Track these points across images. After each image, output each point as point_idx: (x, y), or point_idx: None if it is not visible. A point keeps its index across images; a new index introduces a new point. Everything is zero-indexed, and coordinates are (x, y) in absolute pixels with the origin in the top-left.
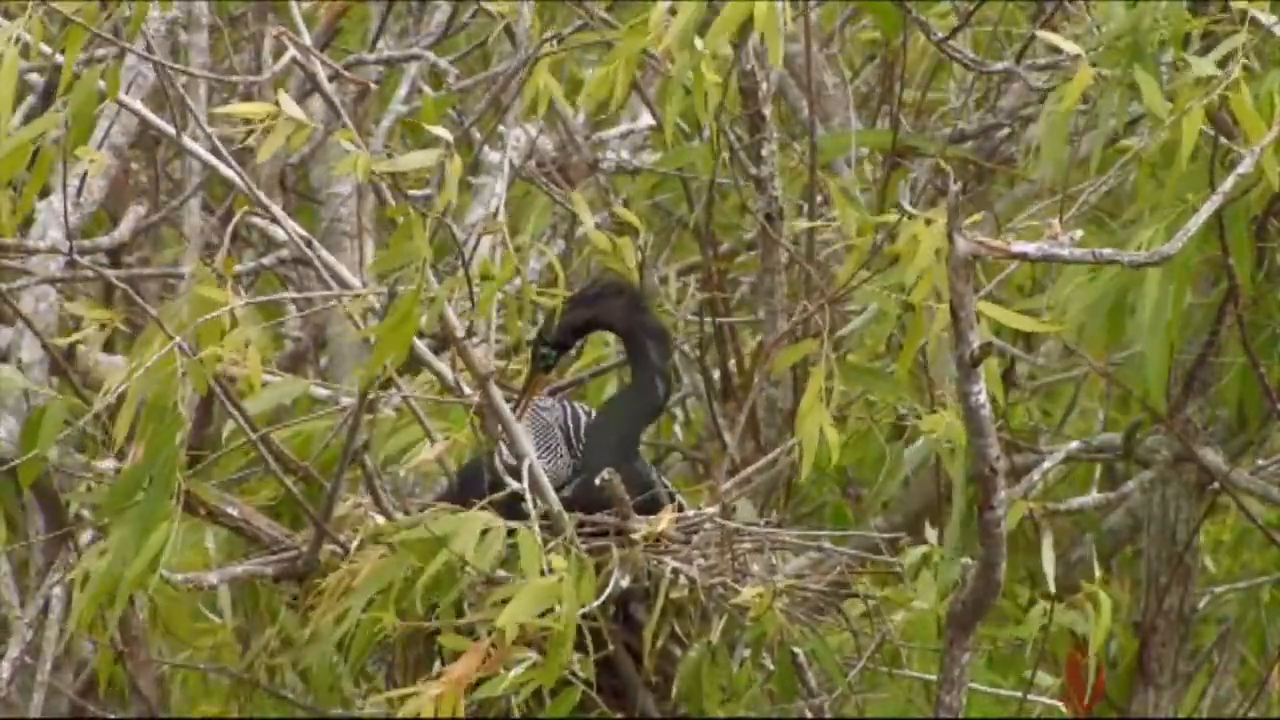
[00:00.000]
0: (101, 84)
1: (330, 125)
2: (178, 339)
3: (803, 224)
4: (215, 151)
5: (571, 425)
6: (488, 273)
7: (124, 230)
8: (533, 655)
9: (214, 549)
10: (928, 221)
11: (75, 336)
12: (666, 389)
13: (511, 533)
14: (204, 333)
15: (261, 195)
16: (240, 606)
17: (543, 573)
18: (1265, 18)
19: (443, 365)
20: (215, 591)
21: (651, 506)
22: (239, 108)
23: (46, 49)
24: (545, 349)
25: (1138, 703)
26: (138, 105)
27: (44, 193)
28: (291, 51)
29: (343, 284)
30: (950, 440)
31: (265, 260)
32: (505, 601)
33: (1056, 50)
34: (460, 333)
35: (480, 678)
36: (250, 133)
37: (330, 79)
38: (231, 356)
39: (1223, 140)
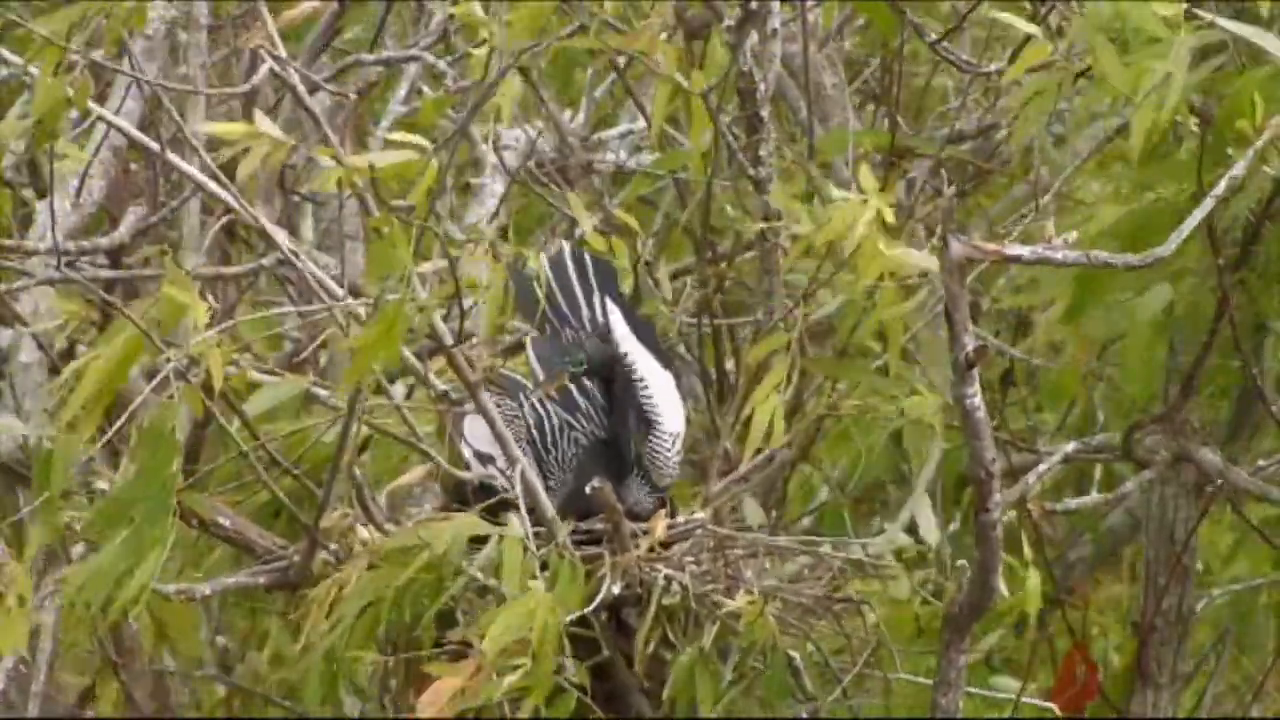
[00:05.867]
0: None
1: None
2: (173, 357)
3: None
4: (204, 163)
5: (536, 432)
6: (474, 284)
7: (123, 231)
8: (526, 662)
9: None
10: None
11: (59, 323)
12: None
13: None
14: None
15: (248, 205)
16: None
17: (524, 587)
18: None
19: (430, 375)
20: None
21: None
22: (217, 127)
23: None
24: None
25: (1137, 703)
26: (122, 122)
27: (43, 194)
28: (269, 63)
29: (329, 294)
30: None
31: (264, 261)
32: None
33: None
34: (449, 340)
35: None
36: (233, 155)
37: (311, 91)
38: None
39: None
